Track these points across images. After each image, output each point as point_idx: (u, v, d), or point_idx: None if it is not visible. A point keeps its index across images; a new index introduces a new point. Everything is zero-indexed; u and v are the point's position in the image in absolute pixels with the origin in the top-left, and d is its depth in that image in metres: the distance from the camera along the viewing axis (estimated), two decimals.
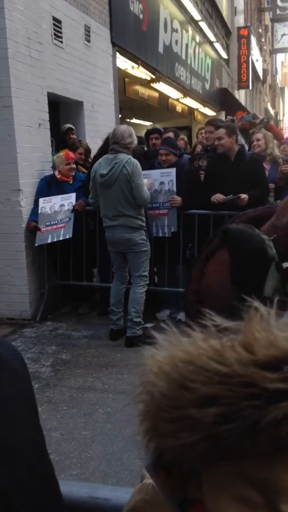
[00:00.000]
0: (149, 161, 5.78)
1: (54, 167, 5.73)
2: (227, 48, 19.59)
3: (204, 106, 16.05)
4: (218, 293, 0.63)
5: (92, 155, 6.08)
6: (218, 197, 5.07)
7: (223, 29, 18.74)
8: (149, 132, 6.71)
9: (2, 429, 0.64)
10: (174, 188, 5.30)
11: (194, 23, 13.47)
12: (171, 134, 6.40)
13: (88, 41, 7.22)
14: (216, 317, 0.50)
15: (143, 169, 5.04)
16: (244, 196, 4.96)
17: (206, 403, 0.45)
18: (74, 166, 5.73)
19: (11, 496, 0.63)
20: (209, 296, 0.66)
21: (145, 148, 6.53)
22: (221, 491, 0.46)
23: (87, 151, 6.29)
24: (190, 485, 0.55)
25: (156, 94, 12.15)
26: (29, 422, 0.70)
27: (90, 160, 6.21)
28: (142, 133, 7.28)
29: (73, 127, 6.72)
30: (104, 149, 5.08)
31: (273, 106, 43.95)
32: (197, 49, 13.85)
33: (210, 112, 16.78)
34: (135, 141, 4.96)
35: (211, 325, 0.50)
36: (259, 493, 0.44)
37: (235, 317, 0.49)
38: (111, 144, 4.85)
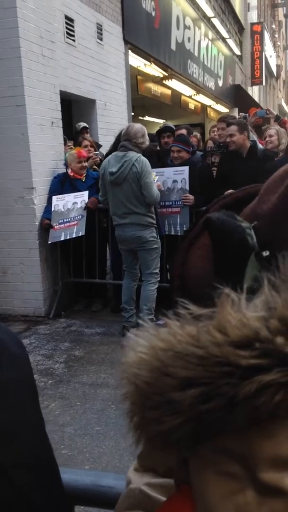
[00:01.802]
0: (161, 160, 5.79)
1: (66, 165, 5.76)
2: (240, 45, 19.51)
3: (217, 103, 16.00)
4: (202, 276, 0.63)
5: (104, 151, 6.10)
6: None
7: (236, 26, 18.66)
8: (161, 130, 6.70)
9: (2, 409, 0.66)
10: (187, 187, 5.29)
11: (207, 19, 13.43)
12: (184, 131, 6.39)
13: (101, 39, 7.24)
14: (191, 305, 0.51)
15: (156, 167, 5.05)
16: None
17: (186, 386, 0.46)
18: (86, 164, 5.75)
19: (13, 474, 0.65)
20: (193, 281, 0.66)
21: (157, 147, 6.51)
22: (205, 468, 0.48)
23: (92, 142, 6.28)
24: (178, 470, 0.57)
25: (168, 92, 12.14)
26: (29, 406, 0.72)
27: (98, 149, 6.27)
28: (155, 131, 7.28)
29: (87, 126, 6.74)
30: (116, 146, 5.10)
31: (287, 102, 43.61)
32: (209, 46, 13.80)
33: (223, 109, 16.73)
34: (147, 142, 4.97)
35: (186, 313, 0.51)
36: (240, 466, 0.46)
37: (210, 304, 0.50)
38: (122, 141, 4.86)
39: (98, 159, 6.03)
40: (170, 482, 0.69)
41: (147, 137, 4.96)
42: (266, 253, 0.57)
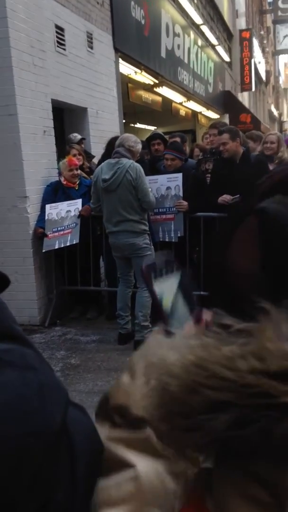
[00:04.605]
0: (153, 167, 5.81)
1: (60, 174, 5.77)
2: (229, 51, 19.62)
3: (208, 109, 16.08)
4: (245, 269, 0.59)
5: (96, 160, 6.12)
6: (225, 198, 5.08)
7: (225, 32, 18.79)
8: (151, 138, 6.72)
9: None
10: (181, 193, 5.31)
11: (196, 27, 13.52)
12: (177, 139, 6.40)
13: (91, 47, 7.27)
14: (228, 317, 0.49)
15: (147, 175, 5.07)
16: None
17: (217, 409, 0.45)
18: (78, 172, 5.76)
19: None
20: (234, 271, 0.61)
21: (148, 155, 6.50)
22: (231, 489, 0.47)
23: (80, 151, 6.29)
24: (197, 476, 0.55)
25: (159, 99, 12.20)
26: None
27: (91, 160, 6.28)
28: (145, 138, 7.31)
29: (85, 138, 6.77)
30: (107, 154, 5.12)
31: (277, 108, 43.92)
32: (199, 53, 13.89)
33: (213, 115, 16.81)
34: (139, 148, 4.99)
35: (221, 325, 0.50)
36: (269, 494, 0.45)
37: (250, 312, 0.48)
38: (116, 148, 4.88)
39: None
40: (126, 433, 0.68)
41: (139, 143, 5.00)
42: None
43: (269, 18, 33.14)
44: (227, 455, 0.46)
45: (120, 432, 0.70)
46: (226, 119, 16.26)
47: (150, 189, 5.03)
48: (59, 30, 6.33)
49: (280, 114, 45.64)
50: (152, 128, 13.72)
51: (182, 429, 0.47)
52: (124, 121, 9.11)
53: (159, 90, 11.46)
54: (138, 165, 4.78)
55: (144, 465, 0.64)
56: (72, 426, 0.66)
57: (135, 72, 9.51)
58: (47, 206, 5.49)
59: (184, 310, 0.80)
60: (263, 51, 29.60)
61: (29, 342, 0.70)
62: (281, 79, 49.02)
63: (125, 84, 9.58)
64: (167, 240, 5.44)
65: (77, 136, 6.61)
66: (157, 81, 10.82)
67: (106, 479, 0.70)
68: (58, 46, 6.29)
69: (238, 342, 0.48)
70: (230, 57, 19.76)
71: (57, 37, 6.26)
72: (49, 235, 5.48)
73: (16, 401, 0.57)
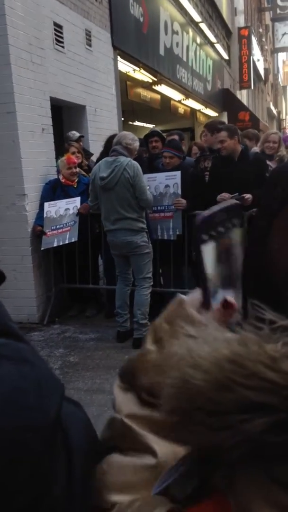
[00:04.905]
0: (151, 164, 5.81)
1: (58, 171, 5.77)
2: (228, 49, 19.62)
3: (206, 107, 16.07)
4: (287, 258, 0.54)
5: (94, 158, 6.11)
6: (224, 196, 5.08)
7: (224, 30, 18.77)
8: (148, 135, 6.72)
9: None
10: (179, 191, 5.30)
11: (195, 24, 13.51)
12: (176, 137, 6.40)
13: (89, 45, 7.26)
14: (270, 312, 0.46)
15: (146, 173, 5.06)
16: (248, 196, 4.97)
17: (252, 409, 0.42)
18: (77, 170, 5.76)
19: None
20: (275, 263, 0.56)
21: (145, 154, 6.49)
22: (256, 493, 0.44)
23: (79, 148, 6.28)
24: (216, 473, 0.52)
25: (158, 96, 12.19)
26: None
27: (89, 157, 6.27)
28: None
29: (83, 136, 6.76)
30: (106, 152, 5.12)
31: (276, 105, 43.91)
32: (198, 51, 13.88)
33: (212, 113, 16.80)
34: (137, 146, 4.99)
35: (260, 320, 0.46)
36: None
37: None
38: (113, 146, 4.88)
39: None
40: (153, 415, 0.65)
41: (137, 141, 4.99)
42: None
43: (267, 16, 33.11)
44: (255, 457, 0.44)
45: (147, 412, 0.67)
46: (225, 117, 16.25)
47: (148, 187, 5.04)
48: (58, 27, 6.32)
49: (279, 112, 45.64)
50: (151, 126, 13.72)
51: (205, 426, 0.44)
52: (122, 119, 9.11)
53: (157, 88, 11.45)
54: (135, 163, 4.78)
55: (165, 453, 0.63)
56: (68, 420, 0.66)
57: (134, 70, 9.50)
58: (46, 204, 5.49)
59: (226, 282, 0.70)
60: (262, 49, 29.57)
61: (25, 339, 0.70)
62: (280, 77, 48.99)
63: (124, 82, 9.57)
64: (165, 238, 5.44)
65: (75, 134, 6.60)
66: (155, 79, 10.81)
67: (123, 456, 0.69)
68: (56, 44, 6.28)
69: (283, 341, 0.44)
70: (229, 55, 19.75)
71: (55, 34, 6.25)
72: (48, 233, 5.48)
73: (13, 395, 0.57)
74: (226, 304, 0.67)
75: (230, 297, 0.67)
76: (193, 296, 0.70)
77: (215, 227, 0.68)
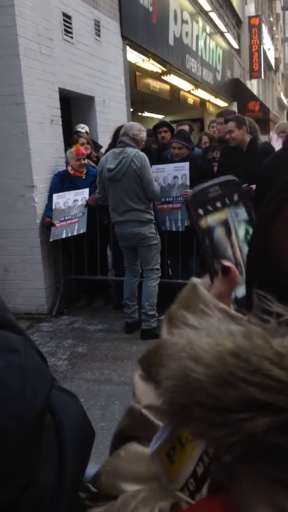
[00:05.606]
0: (160, 154, 5.80)
1: (67, 163, 5.77)
2: (238, 38, 19.45)
3: (216, 97, 15.97)
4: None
5: (104, 150, 6.10)
6: None
7: (234, 19, 18.59)
8: (157, 126, 6.70)
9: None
10: (188, 182, 5.29)
11: (204, 13, 13.39)
12: (186, 127, 6.36)
13: (98, 35, 7.23)
14: (278, 304, 0.43)
15: (154, 163, 5.05)
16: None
17: (255, 408, 0.40)
18: (85, 161, 5.76)
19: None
20: (281, 253, 0.53)
21: (155, 143, 6.46)
22: (256, 493, 0.42)
23: (88, 139, 6.27)
24: (217, 469, 0.51)
25: (167, 87, 12.13)
26: None
27: (99, 150, 6.26)
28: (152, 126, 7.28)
29: (87, 131, 6.73)
30: (114, 144, 5.11)
31: (286, 95, 43.50)
32: (207, 40, 13.77)
33: (222, 103, 16.69)
34: (144, 135, 4.97)
35: (266, 312, 0.43)
36: None
37: None
38: (120, 137, 4.87)
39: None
40: None
41: (144, 131, 4.97)
42: None
43: (278, 5, 32.75)
44: (257, 457, 0.42)
45: None
46: (235, 107, 16.15)
47: (156, 178, 5.03)
48: (67, 18, 6.29)
49: None
50: (160, 117, 13.68)
51: (204, 421, 0.42)
52: (131, 110, 9.08)
53: (167, 78, 11.39)
54: (143, 154, 4.77)
55: None
56: (61, 411, 0.66)
57: (143, 60, 9.45)
58: (55, 196, 5.50)
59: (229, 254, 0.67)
60: (272, 38, 29.28)
61: (22, 330, 0.71)
62: None
63: (133, 73, 9.53)
64: (174, 229, 5.44)
65: (85, 127, 6.59)
66: (165, 69, 10.75)
67: (139, 444, 0.69)
68: (65, 34, 6.26)
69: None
70: (239, 44, 19.58)
71: (64, 25, 6.23)
72: (57, 225, 5.50)
73: None
74: (224, 270, 0.64)
75: (227, 262, 0.65)
76: (206, 279, 0.69)
77: (212, 202, 0.66)
